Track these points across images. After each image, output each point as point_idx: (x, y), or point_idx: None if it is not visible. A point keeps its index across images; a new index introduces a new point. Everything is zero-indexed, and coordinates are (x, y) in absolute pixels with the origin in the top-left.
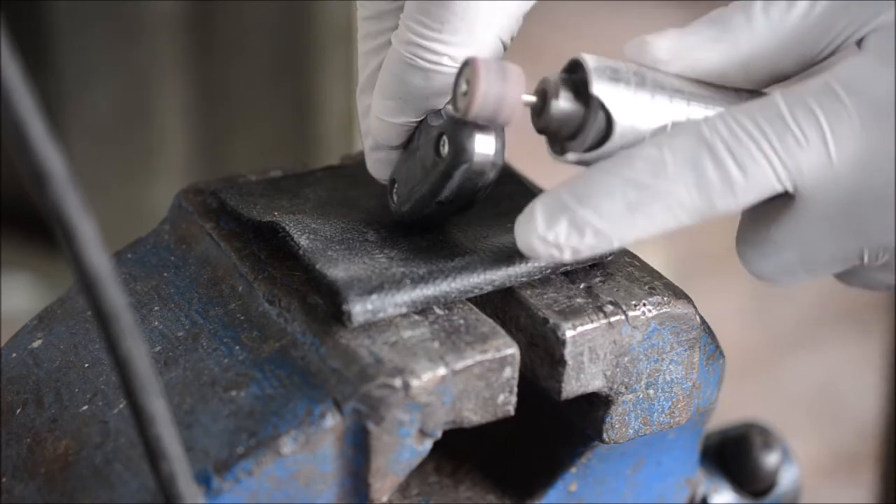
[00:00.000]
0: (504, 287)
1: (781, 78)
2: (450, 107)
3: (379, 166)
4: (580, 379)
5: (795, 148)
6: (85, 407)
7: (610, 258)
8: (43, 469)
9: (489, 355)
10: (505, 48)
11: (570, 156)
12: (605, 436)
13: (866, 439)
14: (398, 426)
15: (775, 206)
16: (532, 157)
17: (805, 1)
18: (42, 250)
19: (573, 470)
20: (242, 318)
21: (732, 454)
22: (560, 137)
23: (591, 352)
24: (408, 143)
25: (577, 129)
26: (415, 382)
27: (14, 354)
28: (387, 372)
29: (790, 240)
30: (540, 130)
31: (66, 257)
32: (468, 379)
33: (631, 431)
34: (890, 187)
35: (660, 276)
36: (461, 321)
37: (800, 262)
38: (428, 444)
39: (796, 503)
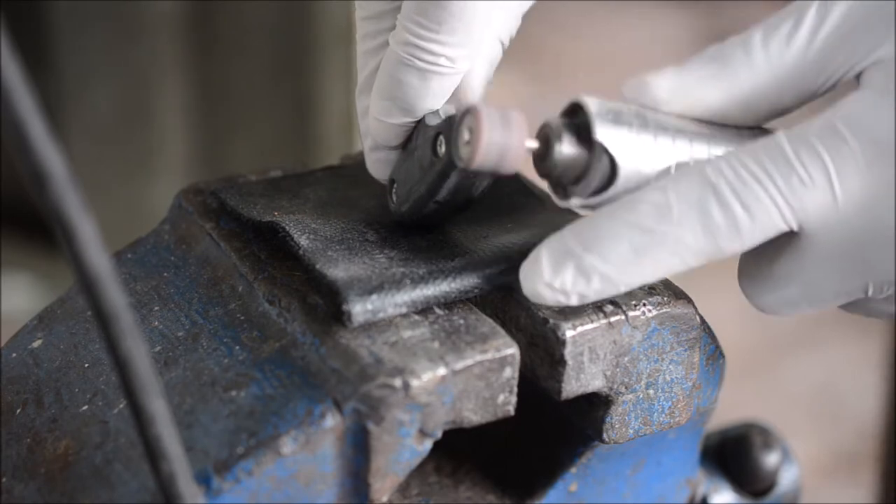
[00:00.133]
0: (504, 287)
1: (781, 113)
2: (448, 107)
3: (378, 166)
4: (580, 379)
5: (800, 188)
6: (85, 407)
7: None
8: (43, 469)
9: (489, 355)
10: (504, 48)
11: (575, 201)
12: (605, 436)
13: (866, 439)
14: (398, 426)
15: (779, 243)
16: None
17: (804, 33)
18: (42, 250)
19: (573, 470)
20: (242, 318)
21: (732, 454)
22: (563, 182)
23: (591, 352)
24: (406, 144)
25: (581, 173)
26: (415, 382)
27: (14, 354)
28: (387, 372)
29: (794, 276)
30: (543, 175)
31: (66, 257)
32: (468, 379)
33: (631, 431)
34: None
35: None
36: (461, 321)
37: (803, 296)
38: (428, 444)
39: (796, 503)
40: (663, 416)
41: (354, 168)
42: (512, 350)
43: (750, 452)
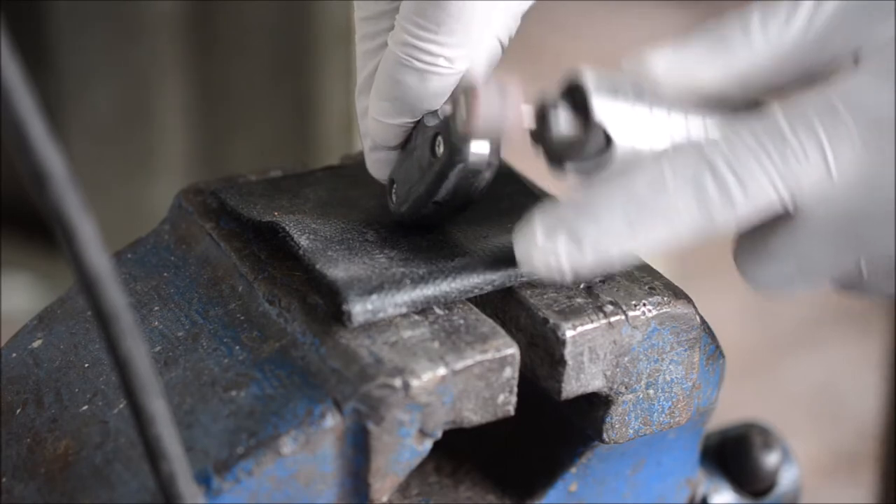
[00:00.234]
0: (504, 287)
1: (779, 92)
2: (447, 107)
3: (378, 166)
4: (580, 379)
5: (795, 163)
6: (85, 407)
7: None
8: (43, 469)
9: (489, 355)
10: (503, 48)
11: (569, 170)
12: (605, 436)
13: (866, 439)
14: (398, 426)
15: (773, 219)
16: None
17: (803, 13)
18: (42, 250)
19: (573, 470)
20: (242, 318)
21: (732, 454)
22: (558, 153)
23: (591, 352)
24: (406, 144)
25: (577, 145)
26: (415, 382)
27: (14, 354)
28: (387, 372)
29: (789, 252)
30: (537, 144)
31: (66, 257)
32: (468, 379)
33: (631, 431)
34: (890, 202)
35: (660, 276)
36: (461, 321)
37: (798, 273)
38: (428, 444)
39: (796, 503)
40: (663, 416)
41: (354, 168)
42: (512, 350)
43: (750, 452)
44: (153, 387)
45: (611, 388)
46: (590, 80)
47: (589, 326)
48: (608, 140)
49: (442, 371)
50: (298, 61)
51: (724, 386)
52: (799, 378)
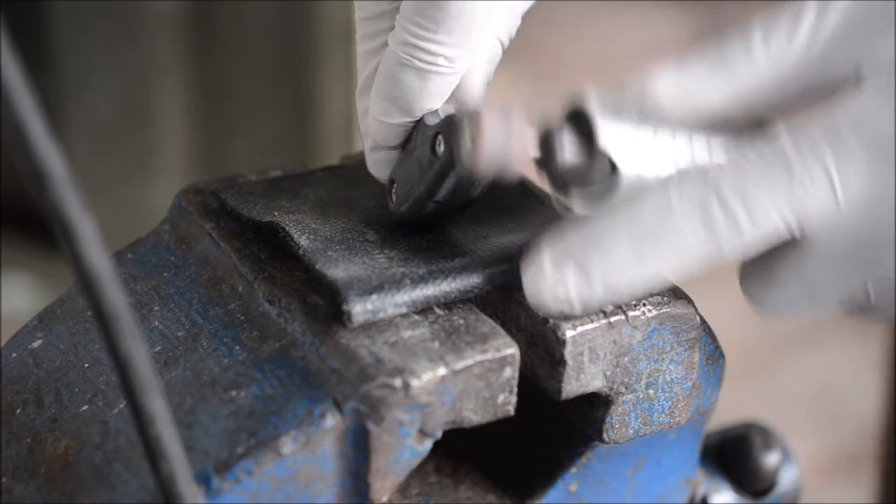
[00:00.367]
0: (504, 287)
1: (782, 111)
2: (448, 106)
3: (379, 166)
4: (580, 379)
5: (801, 190)
6: (85, 407)
7: None
8: (43, 469)
9: (489, 355)
10: (503, 48)
11: (574, 197)
12: (605, 436)
13: (866, 439)
14: (398, 426)
15: (780, 244)
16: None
17: (805, 30)
18: (42, 250)
19: (573, 470)
20: (242, 318)
21: (732, 454)
22: (564, 181)
23: (591, 352)
24: (406, 143)
25: (582, 172)
26: (415, 382)
27: (14, 354)
28: (387, 372)
29: (795, 278)
30: (542, 172)
31: (66, 257)
32: (468, 379)
33: (631, 431)
34: None
35: None
36: (461, 321)
37: (805, 297)
38: (428, 444)
39: (796, 503)
40: (663, 416)
41: (354, 168)
42: (512, 350)
43: (750, 452)
44: (153, 387)
45: (611, 388)
46: (594, 105)
47: (589, 326)
48: (613, 167)
49: (442, 371)
50: (298, 61)
51: (724, 386)
52: (799, 378)
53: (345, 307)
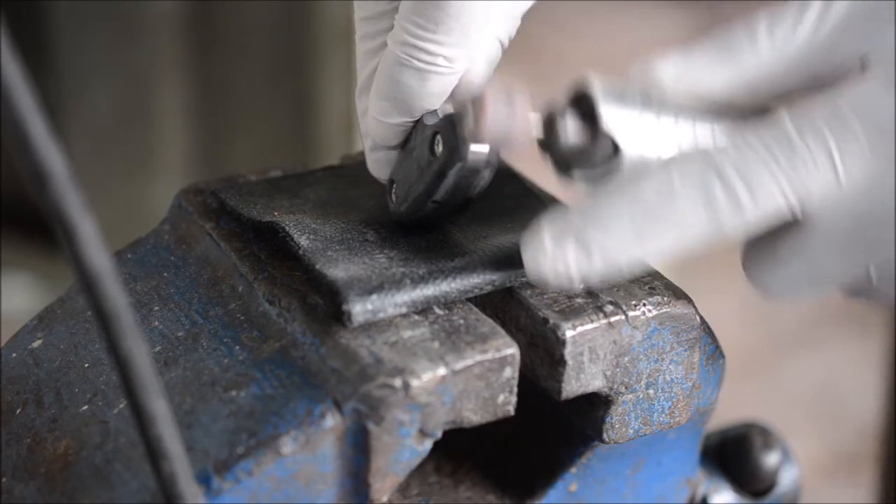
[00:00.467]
0: (504, 287)
1: (786, 98)
2: (447, 106)
3: (379, 166)
4: (580, 379)
5: (804, 170)
6: (85, 407)
7: None
8: (43, 469)
9: (489, 355)
10: (503, 48)
11: (577, 177)
12: (605, 436)
13: (866, 439)
14: (398, 426)
15: (782, 225)
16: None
17: (809, 19)
18: (42, 250)
19: (573, 470)
20: (242, 318)
21: (732, 454)
22: (566, 160)
23: (591, 352)
24: (406, 143)
25: (584, 153)
26: (415, 382)
27: (14, 354)
28: (387, 372)
29: (797, 259)
30: (545, 152)
31: (67, 257)
32: (468, 379)
33: (631, 431)
34: None
35: (660, 276)
36: (461, 321)
37: (806, 278)
38: (428, 444)
39: (796, 503)
40: (663, 416)
41: (354, 168)
42: (512, 350)
43: (750, 452)
44: (153, 387)
45: (611, 388)
46: (597, 88)
47: (589, 326)
48: (616, 148)
49: (442, 371)
50: (298, 61)
51: (724, 386)
52: (799, 378)
53: (345, 307)
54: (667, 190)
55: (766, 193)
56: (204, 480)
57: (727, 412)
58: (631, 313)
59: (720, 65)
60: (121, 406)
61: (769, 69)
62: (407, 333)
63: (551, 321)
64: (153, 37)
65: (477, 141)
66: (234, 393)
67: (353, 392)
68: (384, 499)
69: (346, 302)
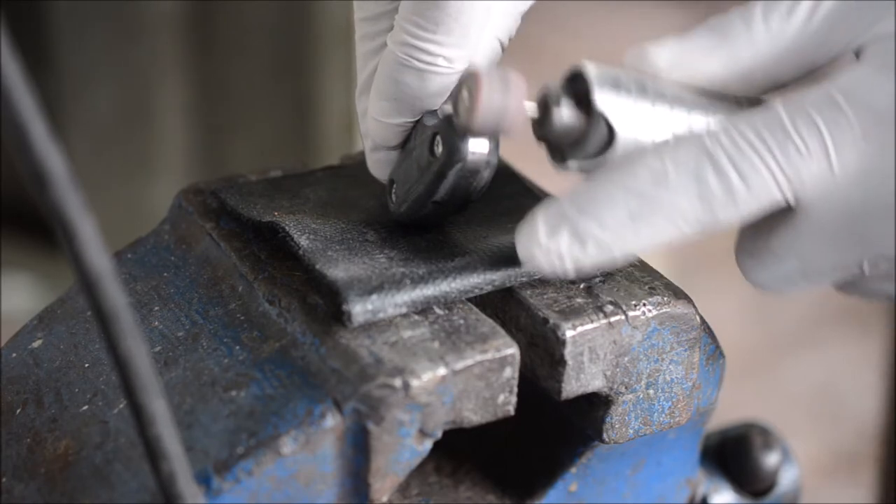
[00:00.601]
0: (504, 287)
1: (781, 85)
2: (447, 106)
3: (379, 167)
4: (580, 379)
5: (797, 158)
6: (85, 407)
7: None
8: (43, 469)
9: (489, 355)
10: (503, 48)
11: (571, 164)
12: (605, 436)
13: (866, 439)
14: (398, 426)
15: (775, 216)
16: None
17: (804, 8)
18: (42, 250)
19: (573, 470)
20: (242, 318)
21: (732, 454)
22: (561, 146)
23: (591, 352)
24: (406, 144)
25: (579, 138)
26: (415, 382)
27: (14, 354)
28: (387, 372)
29: (791, 250)
30: (540, 138)
31: (67, 257)
32: (468, 379)
33: (631, 431)
34: (892, 197)
35: (660, 276)
36: (461, 321)
37: (800, 271)
38: (428, 444)
39: (796, 503)
40: (663, 416)
41: (354, 168)
42: (512, 350)
43: (750, 452)
44: (153, 387)
45: (611, 388)
46: (592, 73)
47: (589, 326)
48: (611, 134)
49: (442, 371)
50: (298, 61)
51: (724, 386)
52: (799, 378)
53: (345, 307)
54: (661, 178)
55: (759, 181)
56: (204, 480)
57: (727, 412)
58: (631, 313)
59: (715, 51)
60: (121, 406)
61: (764, 56)
62: (407, 333)
63: (551, 321)
64: (153, 37)
65: (470, 127)
66: (234, 393)
67: (353, 392)
68: (384, 499)
69: (346, 302)
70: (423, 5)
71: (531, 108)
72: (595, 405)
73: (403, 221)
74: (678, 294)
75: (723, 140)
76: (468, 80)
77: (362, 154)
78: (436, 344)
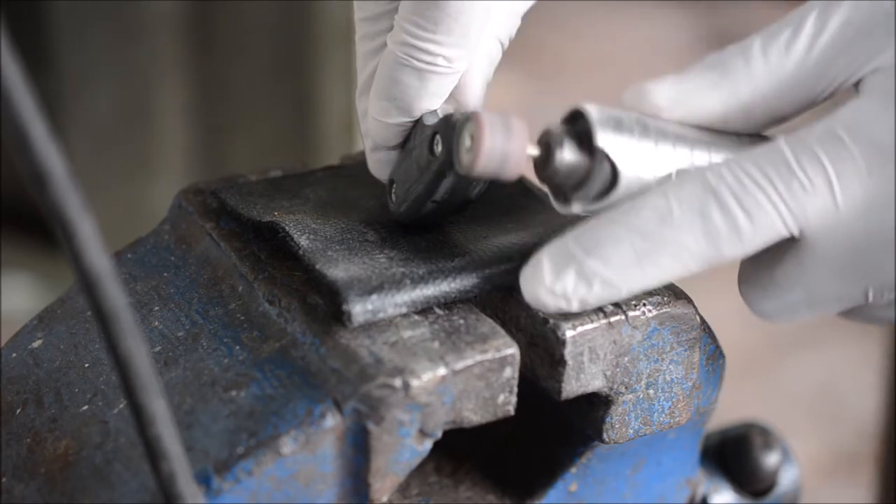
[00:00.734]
0: (504, 287)
1: (782, 120)
2: (446, 106)
3: (379, 167)
4: (580, 379)
5: (801, 193)
6: (85, 407)
7: None
8: (43, 469)
9: (489, 355)
10: (503, 48)
11: (576, 206)
12: (605, 436)
13: (866, 439)
14: (398, 426)
15: (779, 249)
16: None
17: (803, 41)
18: (42, 250)
19: (573, 470)
20: (242, 318)
21: (732, 454)
22: (564, 188)
23: (591, 352)
24: (406, 143)
25: (582, 180)
26: (415, 382)
27: (14, 354)
28: (387, 372)
29: (795, 282)
30: (543, 180)
31: (67, 257)
32: (468, 379)
33: (631, 431)
34: (894, 230)
35: None
36: (461, 321)
37: (805, 302)
38: (428, 444)
39: (796, 503)
40: (663, 416)
41: (354, 168)
42: (512, 350)
43: (750, 452)
44: (153, 387)
45: (611, 388)
46: (593, 114)
47: (589, 326)
48: (614, 174)
49: (442, 371)
50: (298, 61)
51: (724, 386)
52: (799, 378)
53: (345, 307)
54: (666, 217)
55: (764, 217)
56: (204, 480)
57: (727, 412)
58: (631, 313)
59: (715, 87)
60: (121, 406)
61: (764, 91)
62: (407, 333)
63: (551, 321)
64: (153, 37)
65: (471, 172)
66: (234, 393)
67: (353, 392)
68: (384, 499)
69: (346, 302)
70: (422, 5)
71: (533, 151)
72: (595, 405)
73: (403, 221)
74: (678, 294)
75: (727, 177)
76: (470, 125)
77: (362, 154)
78: (436, 344)
